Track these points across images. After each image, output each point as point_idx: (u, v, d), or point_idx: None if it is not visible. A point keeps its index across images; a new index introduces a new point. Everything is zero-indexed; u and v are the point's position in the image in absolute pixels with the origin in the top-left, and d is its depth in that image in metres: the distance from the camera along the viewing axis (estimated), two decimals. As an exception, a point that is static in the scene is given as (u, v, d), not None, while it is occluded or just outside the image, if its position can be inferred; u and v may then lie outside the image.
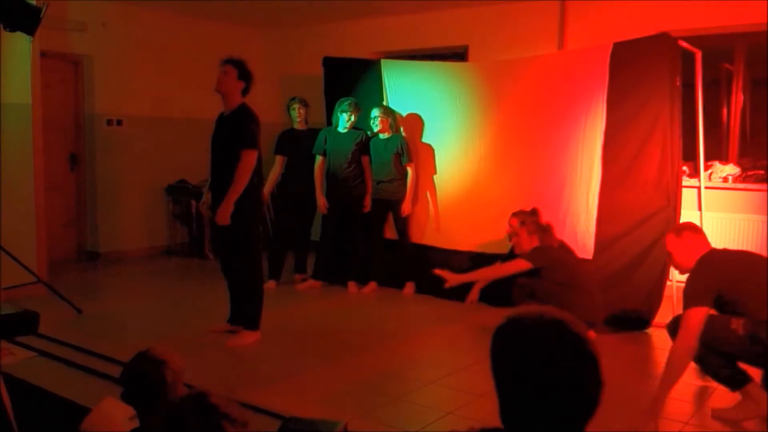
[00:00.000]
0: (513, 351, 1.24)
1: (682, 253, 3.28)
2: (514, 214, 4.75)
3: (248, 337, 4.27)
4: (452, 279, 4.46)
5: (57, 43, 6.39)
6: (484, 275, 4.45)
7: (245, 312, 4.33)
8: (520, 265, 4.42)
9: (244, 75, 4.26)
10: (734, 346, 3.11)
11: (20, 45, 5.14)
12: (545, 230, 4.60)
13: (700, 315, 3.01)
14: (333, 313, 5.23)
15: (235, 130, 4.16)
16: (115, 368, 3.20)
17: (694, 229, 3.34)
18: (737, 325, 3.10)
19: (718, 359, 3.19)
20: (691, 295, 3.07)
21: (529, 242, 4.53)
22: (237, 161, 4.08)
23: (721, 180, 5.59)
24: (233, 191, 4.07)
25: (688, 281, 3.17)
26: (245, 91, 4.29)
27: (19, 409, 2.43)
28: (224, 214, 4.07)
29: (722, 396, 3.44)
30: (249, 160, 4.10)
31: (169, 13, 7.34)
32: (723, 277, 3.11)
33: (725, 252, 3.37)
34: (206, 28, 7.75)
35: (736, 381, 3.21)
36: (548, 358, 1.20)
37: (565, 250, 4.60)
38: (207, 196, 4.52)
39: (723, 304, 3.13)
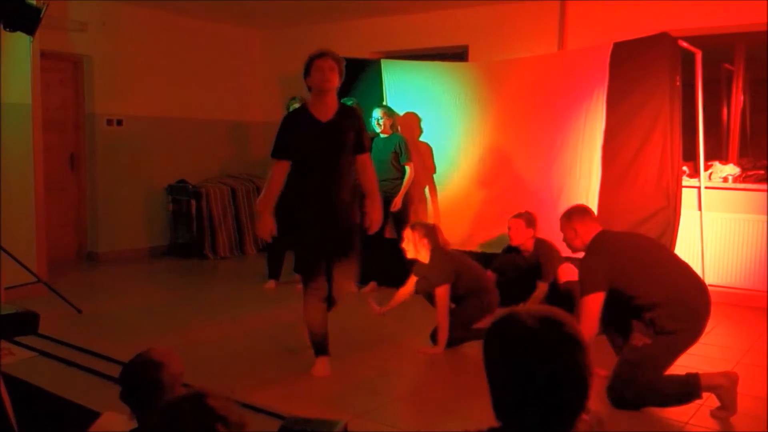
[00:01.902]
0: (503, 349, 1.27)
1: (573, 234, 3.48)
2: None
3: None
4: (438, 348, 4.16)
5: (57, 43, 6.39)
6: (444, 324, 4.12)
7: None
8: (441, 293, 4.11)
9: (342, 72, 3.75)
10: (655, 359, 3.20)
11: (20, 45, 5.13)
12: (435, 232, 4.32)
13: (598, 300, 3.21)
14: (332, 312, 5.21)
15: (357, 134, 3.76)
16: (115, 368, 3.19)
17: (583, 211, 3.55)
18: (638, 340, 3.22)
19: (655, 389, 3.21)
20: (587, 282, 3.26)
21: (423, 247, 4.25)
22: (348, 166, 3.75)
23: (721, 180, 5.59)
24: (378, 196, 3.87)
25: (582, 269, 3.36)
26: None
27: (19, 409, 2.43)
28: (380, 220, 3.88)
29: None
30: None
31: (169, 13, 7.35)
32: (613, 259, 3.29)
33: (615, 235, 3.55)
34: (206, 28, 7.76)
35: (686, 394, 3.18)
36: (538, 357, 1.23)
37: (456, 253, 4.39)
38: (269, 221, 3.75)
39: (618, 293, 3.26)
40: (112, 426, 2.23)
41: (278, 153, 3.74)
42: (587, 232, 3.43)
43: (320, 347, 3.78)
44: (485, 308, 4.20)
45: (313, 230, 3.70)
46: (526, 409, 1.24)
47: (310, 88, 3.72)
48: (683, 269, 3.41)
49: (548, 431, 1.24)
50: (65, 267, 6.52)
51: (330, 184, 3.69)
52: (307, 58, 3.68)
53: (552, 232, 4.82)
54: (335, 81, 3.66)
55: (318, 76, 3.63)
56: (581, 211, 3.58)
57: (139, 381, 2.05)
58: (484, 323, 4.17)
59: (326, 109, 3.69)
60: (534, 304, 4.64)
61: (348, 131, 3.70)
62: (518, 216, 4.82)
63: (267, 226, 3.74)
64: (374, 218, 3.83)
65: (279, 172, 3.75)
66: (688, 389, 3.16)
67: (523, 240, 4.82)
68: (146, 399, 2.04)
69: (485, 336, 1.32)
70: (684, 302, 3.23)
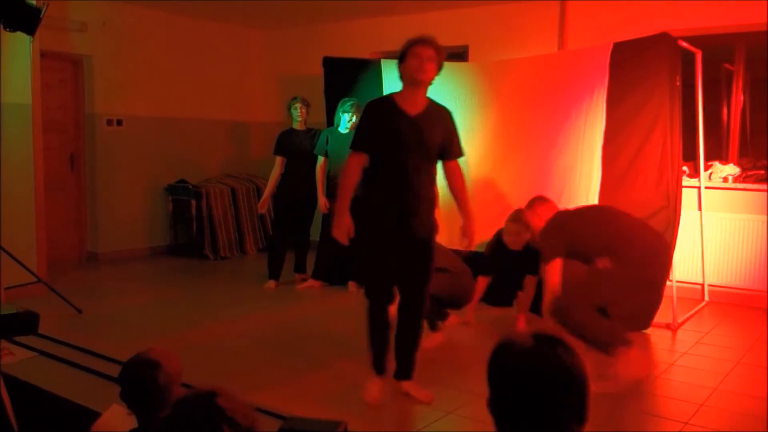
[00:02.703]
0: (504, 369, 1.32)
1: (537, 221, 3.84)
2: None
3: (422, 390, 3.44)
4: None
5: (57, 43, 6.39)
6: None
7: (412, 358, 3.43)
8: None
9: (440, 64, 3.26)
10: (611, 282, 3.47)
11: (20, 45, 5.14)
12: None
13: (556, 266, 3.59)
14: (333, 313, 5.22)
15: (449, 135, 3.36)
16: (115, 368, 3.19)
17: (542, 199, 3.94)
18: (601, 263, 3.50)
19: (593, 323, 3.44)
20: (546, 251, 3.61)
21: None
22: (432, 172, 3.37)
23: (721, 180, 5.59)
24: (470, 208, 3.46)
25: (540, 242, 3.72)
26: None
27: (19, 409, 2.44)
28: (476, 233, 3.49)
29: (723, 396, 3.44)
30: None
31: (169, 13, 7.35)
32: (568, 227, 3.64)
33: (569, 210, 3.90)
34: (206, 28, 7.76)
35: (608, 342, 3.41)
36: (538, 387, 1.28)
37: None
38: (348, 219, 3.28)
39: (575, 256, 3.65)
40: (116, 421, 2.24)
41: (358, 144, 3.29)
42: (548, 215, 3.80)
43: (376, 364, 3.44)
44: (460, 287, 4.34)
45: (383, 244, 3.28)
46: (527, 421, 1.28)
47: (401, 77, 3.28)
48: (639, 222, 3.74)
49: None
50: (65, 267, 6.52)
51: (407, 188, 3.25)
52: (405, 43, 3.24)
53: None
54: (432, 72, 3.21)
55: (414, 63, 3.17)
56: (540, 198, 3.98)
57: (136, 381, 2.05)
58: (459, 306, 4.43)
59: (416, 103, 3.26)
60: (527, 300, 4.64)
61: (437, 130, 3.28)
62: (515, 221, 4.61)
63: (345, 225, 3.27)
64: (468, 231, 3.45)
65: (355, 166, 3.28)
66: (611, 339, 3.40)
67: (522, 242, 4.76)
68: (144, 399, 2.04)
69: (489, 358, 1.35)
70: (641, 243, 3.52)
